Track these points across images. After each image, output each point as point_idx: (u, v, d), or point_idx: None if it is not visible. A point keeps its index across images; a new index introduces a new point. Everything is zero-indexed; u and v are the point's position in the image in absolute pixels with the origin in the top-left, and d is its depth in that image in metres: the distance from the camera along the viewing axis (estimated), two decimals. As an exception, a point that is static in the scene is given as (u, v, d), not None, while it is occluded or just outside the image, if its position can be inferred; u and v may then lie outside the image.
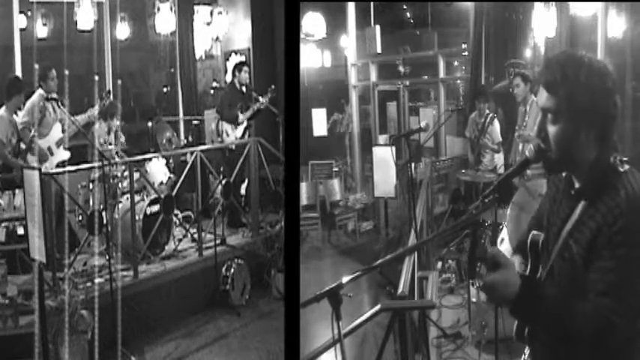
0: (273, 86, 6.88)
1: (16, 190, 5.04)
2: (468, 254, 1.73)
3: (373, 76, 9.27)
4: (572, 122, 1.65)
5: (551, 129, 1.68)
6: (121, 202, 5.60)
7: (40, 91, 5.49)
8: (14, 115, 5.38)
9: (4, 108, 5.28)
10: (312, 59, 10.13)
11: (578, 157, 1.69)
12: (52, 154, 5.59)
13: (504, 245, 4.46)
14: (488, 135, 6.54)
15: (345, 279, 1.90)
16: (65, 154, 5.68)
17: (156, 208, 5.61)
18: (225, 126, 6.83)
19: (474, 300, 4.65)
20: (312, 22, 8.93)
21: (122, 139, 6.18)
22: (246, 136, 6.95)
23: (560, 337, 1.64)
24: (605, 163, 1.67)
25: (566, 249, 1.71)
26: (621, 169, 1.66)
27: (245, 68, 6.98)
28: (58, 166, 5.57)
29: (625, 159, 1.69)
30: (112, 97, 6.12)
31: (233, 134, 6.84)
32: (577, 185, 1.75)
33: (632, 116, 6.11)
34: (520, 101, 5.79)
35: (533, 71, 6.31)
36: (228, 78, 7.47)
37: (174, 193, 5.84)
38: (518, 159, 5.85)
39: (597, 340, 1.57)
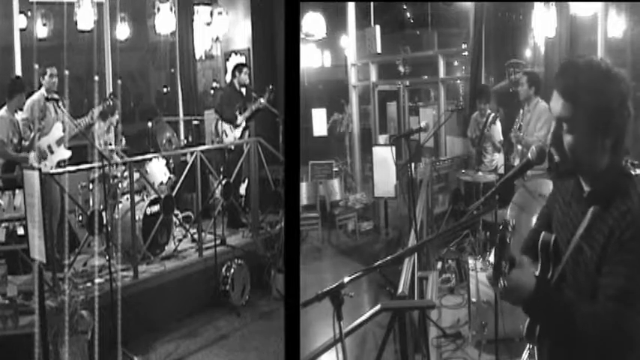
0: (271, 86, 6.87)
1: (16, 190, 5.04)
2: (495, 256, 1.69)
3: (373, 76, 9.27)
4: (588, 131, 1.63)
5: (567, 138, 1.66)
6: (120, 202, 5.60)
7: (41, 90, 5.51)
8: (15, 115, 5.39)
9: (5, 108, 5.30)
10: (312, 59, 10.13)
11: (591, 164, 1.68)
12: (52, 152, 5.59)
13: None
14: (490, 134, 6.54)
15: (346, 279, 1.90)
16: (66, 153, 5.69)
17: (156, 208, 5.61)
18: (225, 126, 6.83)
19: (473, 300, 4.65)
20: (312, 22, 8.93)
21: (123, 142, 6.16)
22: (246, 136, 6.95)
23: (570, 338, 1.65)
24: (618, 167, 1.67)
25: (580, 253, 1.70)
26: (633, 173, 1.66)
27: (245, 69, 6.98)
28: (58, 164, 5.58)
29: (636, 162, 1.69)
30: (113, 99, 6.12)
31: (232, 134, 6.83)
32: (587, 189, 1.74)
33: (632, 116, 6.10)
34: (522, 100, 5.77)
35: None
36: (228, 78, 7.47)
37: (174, 193, 5.84)
38: (517, 159, 5.85)
39: (606, 343, 1.58)
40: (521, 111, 5.75)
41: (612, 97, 1.61)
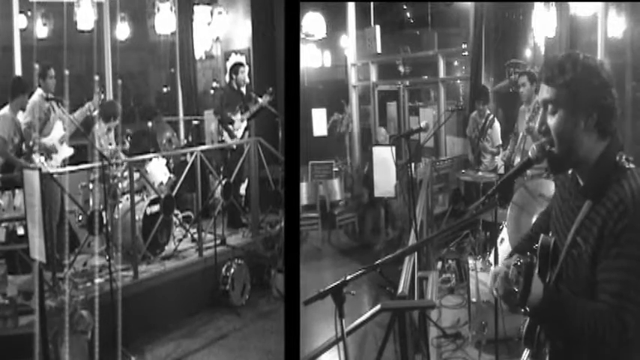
0: (271, 88, 6.87)
1: (16, 190, 5.04)
2: (524, 281, 1.63)
3: (373, 76, 9.27)
4: (569, 110, 1.70)
5: (551, 120, 1.73)
6: (121, 202, 5.60)
7: (39, 91, 5.50)
8: (18, 115, 5.39)
9: (7, 107, 5.29)
10: (312, 59, 10.13)
11: (580, 152, 1.72)
12: (56, 151, 5.60)
13: (504, 245, 4.46)
14: (489, 137, 6.53)
15: (349, 277, 1.90)
16: (69, 151, 5.69)
17: (156, 208, 5.60)
18: (226, 125, 6.82)
19: (473, 300, 4.65)
20: (312, 22, 8.93)
21: (127, 145, 6.17)
22: (246, 136, 6.95)
23: (573, 337, 1.65)
24: (611, 160, 1.70)
25: (575, 247, 1.72)
26: (627, 166, 1.68)
27: (242, 69, 6.96)
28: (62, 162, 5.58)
29: (630, 158, 1.71)
30: (106, 90, 6.11)
31: (234, 133, 6.82)
32: (582, 183, 1.77)
33: (632, 116, 6.11)
34: (525, 101, 5.75)
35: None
36: (228, 78, 7.48)
37: (174, 193, 5.84)
38: (517, 157, 5.84)
39: (610, 340, 1.59)
40: (532, 108, 5.72)
41: (590, 79, 1.69)
